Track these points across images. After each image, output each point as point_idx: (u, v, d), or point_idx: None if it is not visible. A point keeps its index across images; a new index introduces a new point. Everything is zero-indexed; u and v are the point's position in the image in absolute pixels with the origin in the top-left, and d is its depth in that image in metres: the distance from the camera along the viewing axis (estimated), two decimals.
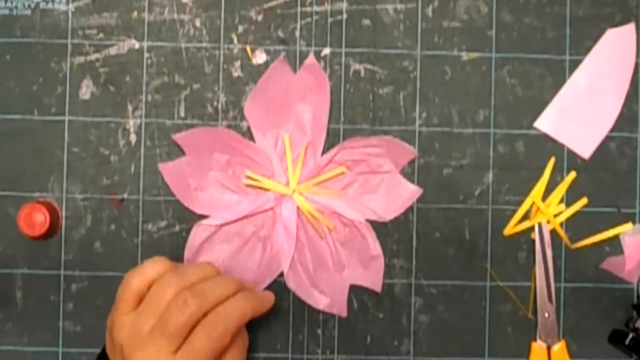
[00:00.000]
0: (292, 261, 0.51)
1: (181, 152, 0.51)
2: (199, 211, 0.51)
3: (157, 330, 0.41)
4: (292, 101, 0.51)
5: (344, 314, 0.52)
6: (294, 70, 0.52)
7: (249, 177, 0.51)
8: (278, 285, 0.52)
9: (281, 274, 0.51)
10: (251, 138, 0.51)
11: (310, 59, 0.51)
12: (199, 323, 0.41)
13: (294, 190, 0.51)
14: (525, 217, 0.53)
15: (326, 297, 0.51)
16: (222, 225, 0.51)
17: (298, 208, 0.51)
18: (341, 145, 0.51)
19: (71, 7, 0.52)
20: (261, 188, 0.51)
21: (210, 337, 0.41)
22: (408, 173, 0.52)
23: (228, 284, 0.43)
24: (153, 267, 0.43)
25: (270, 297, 0.46)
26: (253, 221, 0.52)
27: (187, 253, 0.51)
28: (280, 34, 0.52)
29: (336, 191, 0.52)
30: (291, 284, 0.51)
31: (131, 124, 0.52)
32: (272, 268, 0.51)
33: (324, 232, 0.52)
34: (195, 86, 0.52)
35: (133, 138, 0.52)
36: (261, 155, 0.51)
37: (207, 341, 0.41)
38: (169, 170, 0.51)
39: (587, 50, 0.53)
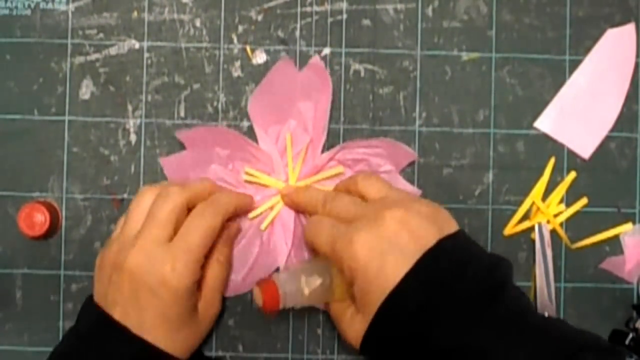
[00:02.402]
0: (288, 258, 0.51)
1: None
2: None
3: (147, 224, 0.44)
4: (295, 99, 0.51)
5: None
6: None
7: (247, 173, 0.51)
8: None
9: (277, 270, 0.51)
10: (252, 138, 0.51)
11: (315, 58, 0.51)
12: (190, 215, 0.45)
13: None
14: (525, 217, 0.53)
15: None
16: None
17: None
18: (341, 145, 0.51)
19: (71, 7, 0.52)
20: (260, 184, 0.51)
21: (200, 225, 0.44)
22: (408, 173, 0.52)
23: (209, 184, 0.48)
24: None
25: (251, 198, 0.50)
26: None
27: None
28: (280, 34, 0.52)
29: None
30: None
31: (131, 124, 0.52)
32: (268, 263, 0.51)
33: None
34: (195, 86, 0.52)
35: (133, 138, 0.52)
36: (262, 152, 0.51)
37: (197, 229, 0.44)
38: (170, 164, 0.51)
39: (587, 50, 0.53)
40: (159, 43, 0.52)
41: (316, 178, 0.51)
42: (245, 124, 0.52)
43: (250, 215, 0.51)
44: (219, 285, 0.48)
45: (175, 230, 0.44)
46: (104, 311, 0.44)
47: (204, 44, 0.52)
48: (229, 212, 0.47)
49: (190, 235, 0.44)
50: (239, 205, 0.49)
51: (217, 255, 0.48)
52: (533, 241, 0.52)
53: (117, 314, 0.43)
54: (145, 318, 0.43)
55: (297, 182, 0.51)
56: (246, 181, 0.51)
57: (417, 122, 0.53)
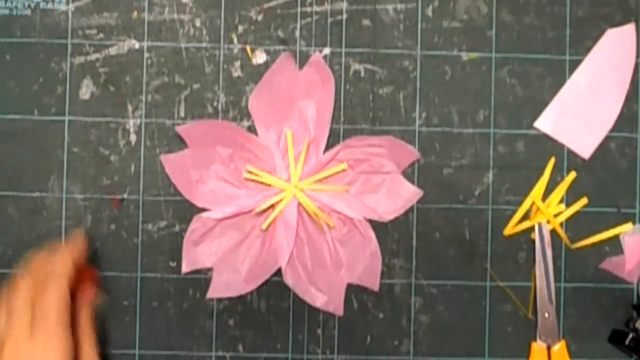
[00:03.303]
0: (290, 258, 0.51)
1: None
2: (199, 204, 0.51)
3: (8, 326, 0.44)
4: (297, 97, 0.51)
5: (341, 312, 0.52)
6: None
7: (249, 172, 0.51)
8: (278, 285, 0.52)
9: (279, 270, 0.51)
10: None
11: (316, 55, 0.51)
12: (37, 297, 0.45)
13: (295, 187, 0.51)
14: (525, 217, 0.53)
15: (323, 295, 0.51)
16: (222, 219, 0.51)
17: (299, 204, 0.51)
18: (344, 143, 0.51)
19: (71, 7, 0.52)
20: (262, 183, 0.51)
21: (49, 303, 0.44)
22: (408, 173, 0.52)
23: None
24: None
25: (79, 238, 0.49)
26: (253, 216, 0.52)
27: (186, 245, 0.51)
28: (280, 34, 0.52)
29: (339, 187, 0.52)
30: (289, 280, 0.51)
31: (131, 124, 0.52)
32: (270, 264, 0.51)
33: (324, 229, 0.52)
34: (195, 86, 0.52)
35: (133, 138, 0.52)
36: (263, 150, 0.51)
37: (48, 306, 0.44)
38: (170, 162, 0.51)
39: (587, 50, 0.53)
40: (159, 43, 0.52)
41: (319, 176, 0.51)
42: (245, 123, 0.52)
43: (254, 212, 0.51)
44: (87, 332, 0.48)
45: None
46: None
47: (204, 44, 0.52)
48: (68, 274, 0.46)
49: (44, 315, 0.44)
50: (74, 259, 0.47)
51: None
52: (533, 241, 0.52)
53: None
54: None
55: (300, 181, 0.51)
56: (247, 179, 0.51)
57: (417, 122, 0.53)
